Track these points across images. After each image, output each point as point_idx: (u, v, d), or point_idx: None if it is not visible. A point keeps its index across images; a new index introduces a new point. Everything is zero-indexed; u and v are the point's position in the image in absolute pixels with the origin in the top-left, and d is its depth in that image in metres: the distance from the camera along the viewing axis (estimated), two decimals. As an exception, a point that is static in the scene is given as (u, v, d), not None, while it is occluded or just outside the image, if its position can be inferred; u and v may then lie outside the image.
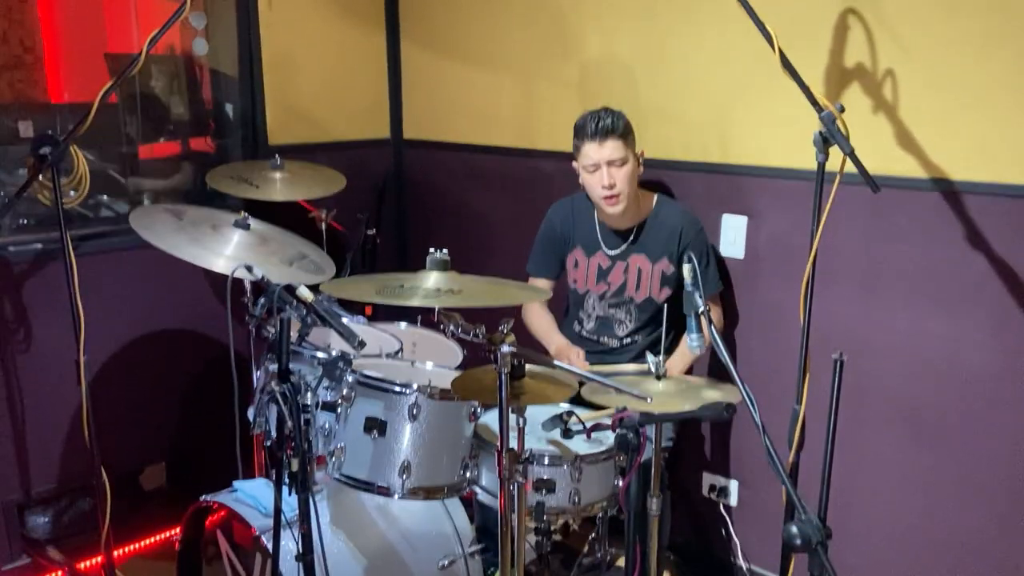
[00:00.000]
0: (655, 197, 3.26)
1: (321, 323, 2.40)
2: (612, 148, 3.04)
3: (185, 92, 4.07)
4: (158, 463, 3.92)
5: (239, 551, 2.74)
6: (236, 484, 2.78)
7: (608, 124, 3.02)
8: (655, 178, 3.42)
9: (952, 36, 2.69)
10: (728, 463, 3.47)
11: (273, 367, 2.28)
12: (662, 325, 3.14)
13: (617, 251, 3.24)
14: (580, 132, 3.09)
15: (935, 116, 2.76)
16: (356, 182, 3.81)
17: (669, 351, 3.00)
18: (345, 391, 2.49)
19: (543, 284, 3.41)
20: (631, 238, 3.21)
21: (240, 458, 3.12)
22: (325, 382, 2.51)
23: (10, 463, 3.33)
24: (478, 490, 2.60)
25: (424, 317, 3.32)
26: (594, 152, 3.06)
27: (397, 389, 2.48)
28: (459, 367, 2.95)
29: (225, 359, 2.85)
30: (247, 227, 3.04)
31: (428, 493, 2.52)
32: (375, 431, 2.47)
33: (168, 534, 3.60)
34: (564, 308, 3.51)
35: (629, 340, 3.28)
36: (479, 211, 4.20)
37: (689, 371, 3.20)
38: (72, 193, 3.01)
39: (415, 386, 2.48)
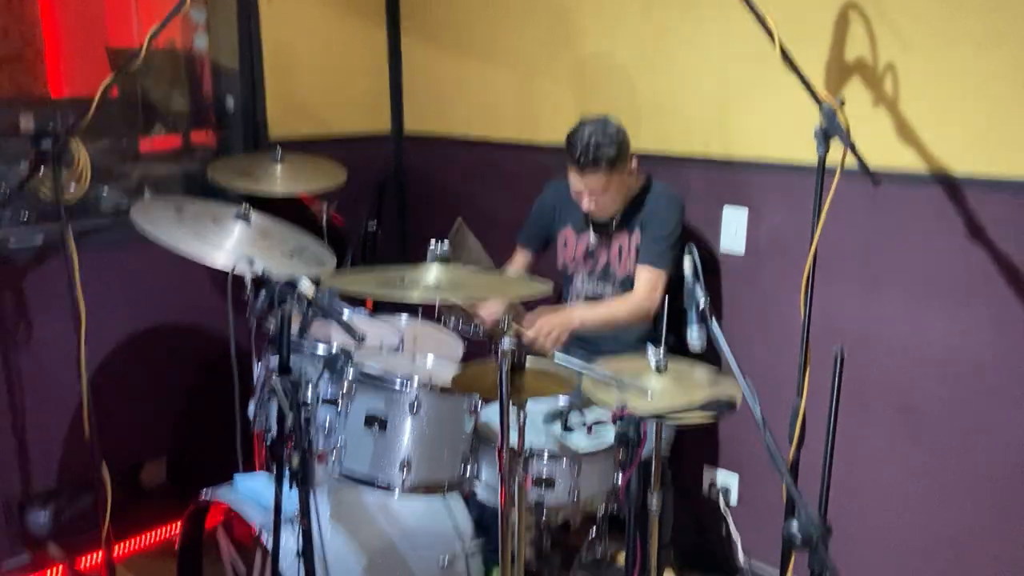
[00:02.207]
0: (644, 179, 3.27)
1: (322, 317, 2.40)
2: (593, 180, 3.05)
3: (186, 86, 4.07)
4: (159, 459, 3.93)
5: (240, 547, 2.74)
6: (237, 480, 2.79)
7: (590, 158, 3.00)
8: (656, 172, 3.41)
9: (953, 30, 2.68)
10: (728, 459, 3.47)
11: (274, 362, 2.28)
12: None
13: (603, 231, 3.28)
14: (567, 149, 3.09)
15: (936, 109, 2.76)
16: (357, 175, 3.80)
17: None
18: (346, 386, 2.48)
19: (525, 254, 3.50)
20: (617, 219, 3.23)
21: (240, 454, 3.12)
22: (326, 377, 2.50)
23: (10, 459, 3.34)
24: (478, 486, 2.60)
25: (425, 311, 3.32)
26: (575, 179, 3.09)
27: (398, 384, 2.48)
28: (460, 361, 2.95)
29: (226, 354, 2.85)
30: (248, 219, 3.04)
31: (429, 488, 2.51)
32: (376, 426, 2.46)
33: (169, 530, 3.60)
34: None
35: None
36: (480, 204, 4.19)
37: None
38: (73, 187, 3.01)
39: (416, 381, 2.48)
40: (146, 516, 3.67)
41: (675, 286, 3.21)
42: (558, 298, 3.53)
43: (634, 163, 3.14)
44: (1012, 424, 2.75)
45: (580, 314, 3.15)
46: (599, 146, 2.99)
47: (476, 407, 2.57)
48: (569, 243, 3.37)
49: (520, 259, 3.52)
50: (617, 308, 3.18)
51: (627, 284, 3.26)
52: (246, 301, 2.98)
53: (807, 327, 2.50)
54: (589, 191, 3.09)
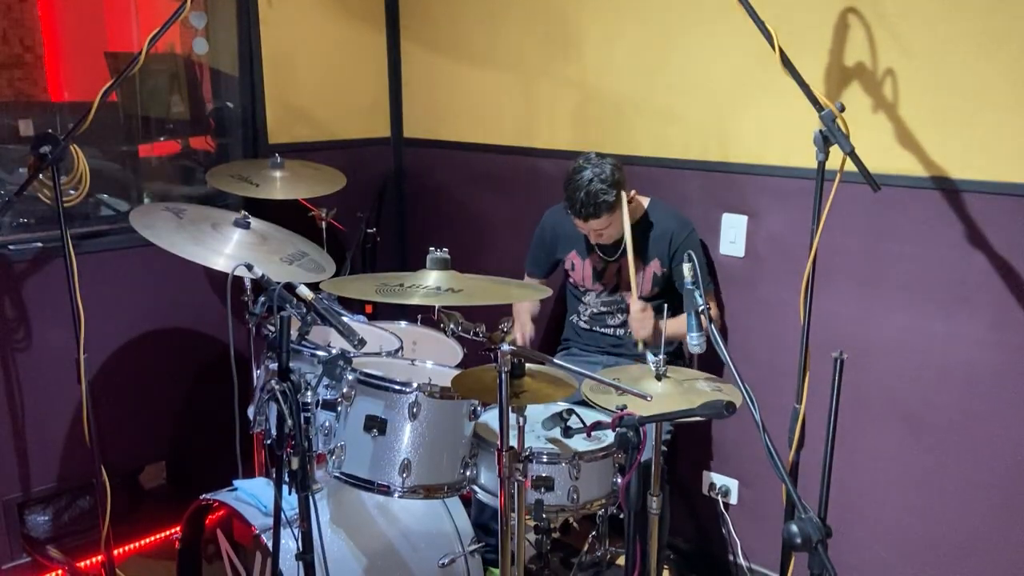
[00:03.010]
0: (647, 201, 3.30)
1: (321, 321, 2.40)
2: (596, 224, 3.11)
3: (185, 91, 4.07)
4: (158, 462, 3.93)
5: (239, 550, 2.74)
6: (236, 483, 2.79)
7: (591, 210, 3.05)
8: (654, 178, 3.42)
9: (952, 35, 2.69)
10: (728, 462, 3.47)
11: (273, 365, 2.28)
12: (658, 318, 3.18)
13: (610, 255, 3.29)
14: (567, 198, 3.13)
15: (935, 115, 2.76)
16: (356, 181, 3.81)
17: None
18: (345, 389, 2.49)
19: (533, 281, 3.57)
20: (623, 242, 3.23)
21: (240, 457, 3.12)
22: (325, 380, 2.51)
23: (10, 462, 3.34)
24: (477, 489, 2.61)
25: (424, 316, 3.33)
26: (580, 224, 3.16)
27: (397, 388, 2.48)
28: (459, 366, 2.95)
29: (225, 358, 2.86)
30: (247, 226, 3.05)
31: (428, 492, 2.52)
32: (375, 430, 2.47)
33: (168, 533, 3.60)
34: (559, 296, 3.63)
35: (623, 332, 3.33)
36: (479, 210, 4.20)
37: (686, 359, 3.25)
38: (72, 192, 3.01)
39: (415, 385, 2.48)
40: (146, 518, 3.66)
41: (675, 293, 3.23)
42: (562, 310, 3.56)
43: (631, 193, 3.17)
44: (1011, 427, 2.75)
45: (666, 324, 3.12)
46: (598, 194, 3.04)
47: (475, 411, 2.58)
48: (576, 266, 3.39)
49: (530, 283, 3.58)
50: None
51: None
52: (245, 306, 2.99)
53: (807, 332, 2.50)
54: (595, 231, 3.16)
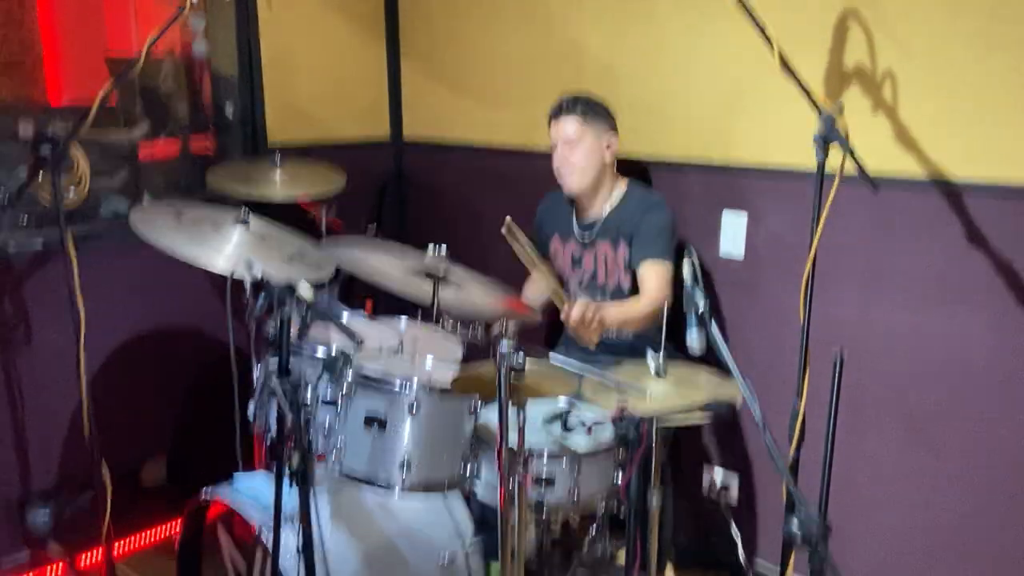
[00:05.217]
0: (627, 185, 3.29)
1: (321, 320, 2.40)
2: (566, 124, 3.12)
3: (185, 92, 4.08)
4: (158, 459, 3.92)
5: (240, 546, 2.74)
6: (236, 478, 2.79)
7: (568, 102, 3.11)
8: (655, 178, 3.43)
9: (952, 36, 2.70)
10: (729, 459, 3.48)
11: (273, 363, 2.28)
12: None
13: (586, 240, 3.30)
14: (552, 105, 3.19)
15: (935, 115, 2.77)
16: (356, 181, 3.81)
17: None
18: (345, 387, 2.49)
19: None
20: (597, 226, 3.24)
21: (240, 454, 3.12)
22: (325, 378, 2.51)
23: (10, 458, 3.34)
24: (478, 486, 2.61)
25: (424, 313, 3.33)
26: (553, 130, 3.18)
27: (397, 385, 2.48)
28: (459, 362, 2.95)
29: (225, 356, 2.85)
30: (247, 223, 3.05)
31: (428, 489, 2.52)
32: (375, 427, 2.47)
33: (168, 529, 3.60)
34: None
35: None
36: (479, 211, 4.20)
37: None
38: (72, 192, 3.02)
39: (415, 381, 2.48)
40: (146, 514, 3.67)
41: (675, 291, 3.23)
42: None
43: (614, 143, 3.18)
44: (1010, 426, 2.76)
45: (608, 312, 2.98)
46: (578, 96, 3.13)
47: (475, 408, 2.58)
48: (558, 252, 3.40)
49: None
50: (632, 307, 3.11)
51: (617, 295, 3.27)
52: (245, 304, 2.99)
53: (806, 330, 2.51)
54: (563, 140, 3.14)
